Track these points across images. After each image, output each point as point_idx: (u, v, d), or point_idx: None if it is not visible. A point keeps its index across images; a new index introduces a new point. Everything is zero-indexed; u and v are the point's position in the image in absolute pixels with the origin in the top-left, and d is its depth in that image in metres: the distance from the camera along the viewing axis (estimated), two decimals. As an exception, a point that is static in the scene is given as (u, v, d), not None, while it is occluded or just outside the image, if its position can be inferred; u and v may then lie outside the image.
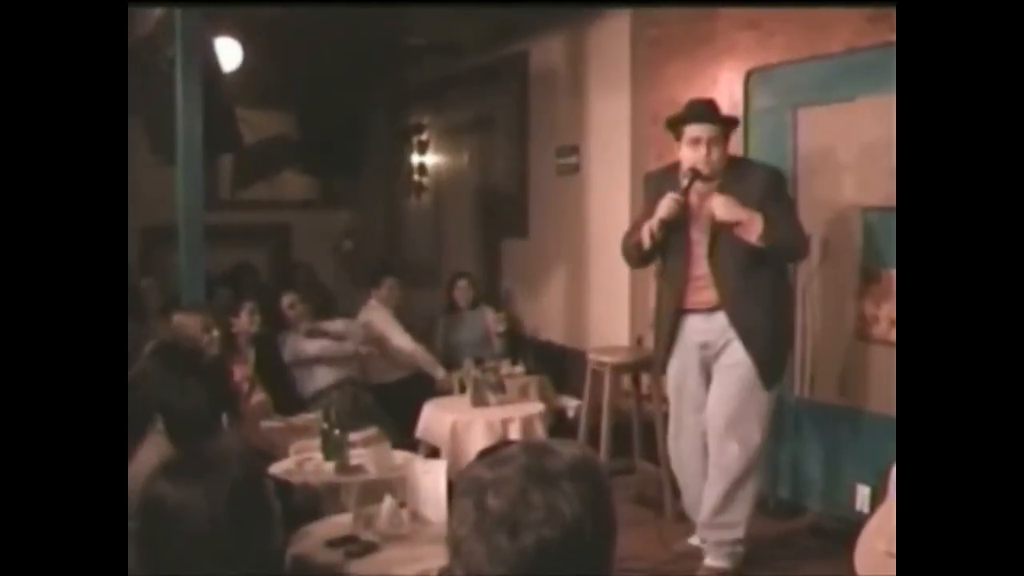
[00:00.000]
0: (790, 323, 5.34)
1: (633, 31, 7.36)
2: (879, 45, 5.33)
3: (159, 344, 4.02)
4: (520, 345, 8.34)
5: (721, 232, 4.95)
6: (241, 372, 6.35)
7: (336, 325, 7.68)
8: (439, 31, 8.80)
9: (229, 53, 7.32)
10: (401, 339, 7.99)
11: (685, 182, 4.94)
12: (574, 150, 8.06)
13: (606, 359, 6.17)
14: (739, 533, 5.12)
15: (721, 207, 4.85)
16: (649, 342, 7.12)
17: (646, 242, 5.00)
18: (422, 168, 10.91)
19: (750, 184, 4.95)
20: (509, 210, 9.12)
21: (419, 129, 10.88)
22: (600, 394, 6.09)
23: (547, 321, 8.59)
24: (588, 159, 7.94)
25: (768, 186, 4.96)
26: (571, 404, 7.35)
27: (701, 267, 5.08)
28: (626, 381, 6.45)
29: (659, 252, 5.20)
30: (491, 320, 8.46)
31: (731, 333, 5.01)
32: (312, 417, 6.25)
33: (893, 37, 5.26)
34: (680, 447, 5.38)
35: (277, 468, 5.12)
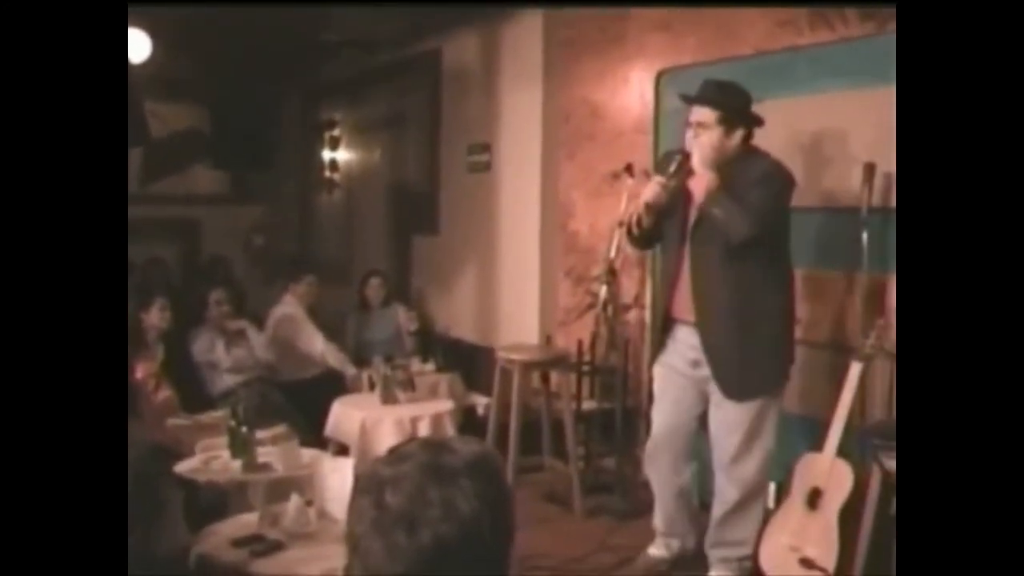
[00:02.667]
0: (775, 336, 4.81)
1: (546, 31, 7.39)
2: (788, 48, 5.41)
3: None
4: (430, 343, 8.34)
5: (701, 229, 4.69)
6: (146, 369, 6.28)
7: (253, 335, 7.61)
8: (353, 27, 8.76)
9: (138, 45, 7.21)
10: (312, 338, 7.93)
11: (672, 166, 4.61)
12: (486, 148, 8.08)
13: (515, 357, 6.18)
14: (747, 550, 4.93)
15: (696, 160, 4.55)
16: (559, 340, 7.17)
17: (633, 228, 4.75)
18: (334, 164, 10.87)
19: (748, 174, 4.59)
20: (420, 207, 9.12)
21: (331, 125, 10.84)
22: (509, 392, 6.10)
23: (457, 318, 8.60)
24: (499, 157, 7.95)
25: (760, 174, 4.59)
26: (481, 402, 7.36)
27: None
28: (535, 379, 6.47)
29: (654, 238, 5.02)
30: (403, 318, 8.44)
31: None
32: (220, 415, 6.19)
33: (801, 40, 5.35)
34: (656, 460, 5.13)
35: (183, 466, 5.07)
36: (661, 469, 5.12)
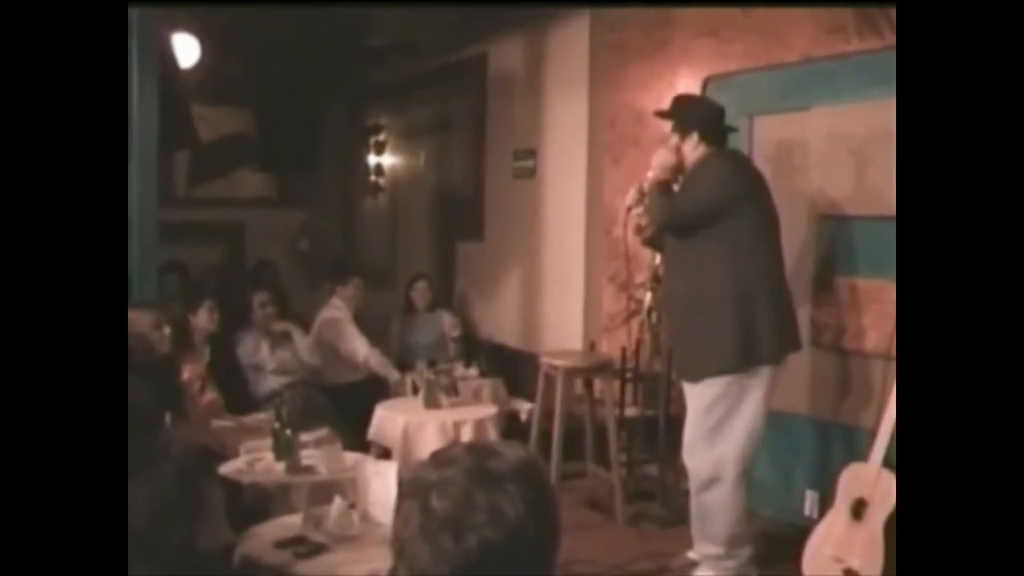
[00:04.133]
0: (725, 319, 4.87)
1: (592, 35, 7.38)
2: (835, 56, 5.38)
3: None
4: (474, 348, 8.34)
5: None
6: (193, 371, 6.30)
7: (298, 338, 7.64)
8: (399, 32, 8.79)
9: (187, 49, 7.27)
10: (356, 342, 7.94)
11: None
12: (531, 153, 8.07)
13: (559, 363, 6.17)
14: (734, 556, 4.99)
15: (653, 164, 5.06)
16: (602, 347, 7.16)
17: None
18: (379, 168, 10.90)
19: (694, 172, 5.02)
20: (465, 212, 9.12)
21: (377, 130, 10.86)
22: (553, 398, 6.09)
23: (501, 324, 8.60)
24: (544, 162, 7.95)
25: (698, 165, 4.99)
26: (524, 407, 7.35)
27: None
28: (579, 385, 6.46)
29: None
30: (447, 323, 8.45)
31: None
32: (263, 417, 6.21)
33: (849, 48, 5.32)
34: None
35: (227, 467, 5.09)
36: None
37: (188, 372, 6.17)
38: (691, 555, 5.28)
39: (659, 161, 5.04)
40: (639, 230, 5.38)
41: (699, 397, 4.92)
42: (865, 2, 5.28)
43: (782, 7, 5.84)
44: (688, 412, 5.02)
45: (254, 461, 5.23)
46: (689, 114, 5.10)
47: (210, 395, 6.39)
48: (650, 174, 5.08)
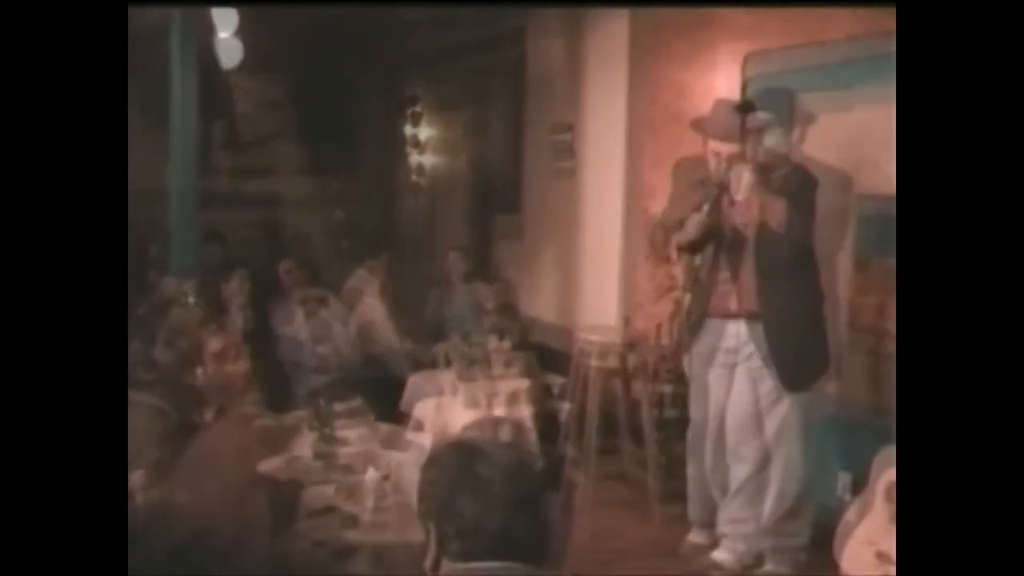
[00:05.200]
0: (817, 328, 5.18)
1: (632, 11, 7.33)
2: (879, 33, 5.32)
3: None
4: (508, 321, 8.32)
5: (746, 235, 5.07)
6: (220, 342, 6.27)
7: (334, 303, 7.66)
8: (435, 8, 8.76)
9: (225, 19, 7.26)
10: (381, 329, 7.97)
11: (708, 204, 5.06)
12: (569, 127, 8.03)
13: (594, 338, 6.16)
14: (804, 540, 5.14)
15: (747, 184, 4.87)
16: (637, 322, 7.13)
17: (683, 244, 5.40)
18: (415, 140, 10.88)
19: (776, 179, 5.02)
20: (502, 186, 9.10)
21: (413, 100, 10.84)
22: (587, 373, 6.08)
23: (536, 298, 8.58)
24: (583, 137, 7.91)
25: (793, 184, 4.99)
26: (557, 381, 7.35)
27: (727, 272, 5.16)
28: (613, 360, 6.45)
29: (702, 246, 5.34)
30: (483, 295, 8.44)
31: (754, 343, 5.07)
32: (303, 415, 6.18)
33: (892, 25, 5.26)
34: (695, 448, 5.44)
35: (267, 465, 5.08)
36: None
37: (220, 341, 6.12)
38: (691, 537, 5.50)
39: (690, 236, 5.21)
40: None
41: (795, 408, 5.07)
42: (865, 2, 5.24)
43: (782, 6, 5.84)
44: (731, 403, 5.13)
45: (293, 459, 5.21)
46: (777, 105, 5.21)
47: (242, 364, 6.32)
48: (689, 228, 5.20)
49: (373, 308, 8.06)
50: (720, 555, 5.30)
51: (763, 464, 5.15)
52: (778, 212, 4.81)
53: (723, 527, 5.32)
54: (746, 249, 5.06)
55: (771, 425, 5.09)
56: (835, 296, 5.57)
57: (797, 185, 4.97)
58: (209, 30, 6.41)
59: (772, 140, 5.06)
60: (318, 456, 4.90)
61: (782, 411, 5.04)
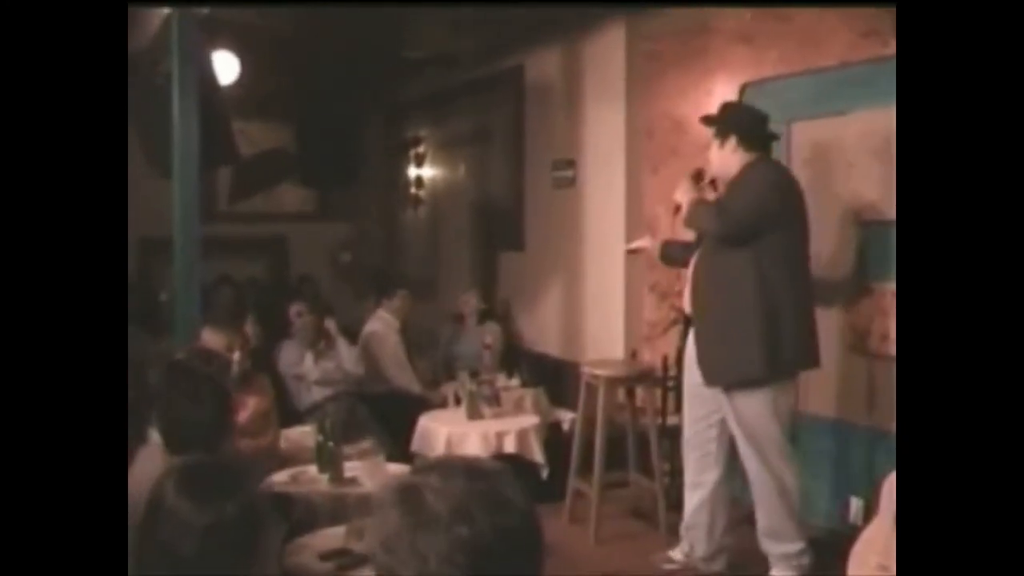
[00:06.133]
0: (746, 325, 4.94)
1: (628, 45, 7.38)
2: (872, 60, 5.36)
3: (178, 359, 3.95)
4: (516, 358, 8.34)
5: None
6: (258, 405, 6.25)
7: (343, 346, 7.67)
8: (436, 44, 8.82)
9: (226, 66, 7.33)
10: (395, 369, 8.01)
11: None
12: (570, 163, 8.08)
13: (601, 372, 6.17)
14: (801, 544, 5.09)
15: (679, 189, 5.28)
16: (644, 356, 7.15)
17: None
18: (419, 181, 10.96)
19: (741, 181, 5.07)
20: (505, 223, 9.14)
21: (416, 142, 10.92)
22: (595, 407, 6.09)
23: (543, 334, 8.60)
24: (584, 172, 7.95)
25: (743, 172, 5.04)
26: (566, 417, 7.35)
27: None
28: (620, 394, 6.46)
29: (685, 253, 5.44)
30: (493, 334, 8.45)
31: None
32: (307, 430, 6.23)
33: (887, 51, 5.29)
34: (687, 457, 5.46)
35: (273, 481, 5.12)
36: None
37: (253, 405, 5.62)
38: (671, 553, 5.52)
39: (680, 192, 5.33)
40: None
41: (745, 407, 5.00)
42: (865, 2, 5.27)
43: (781, 7, 5.89)
44: (731, 424, 5.10)
45: (298, 474, 5.25)
46: (730, 120, 5.17)
47: (272, 435, 5.82)
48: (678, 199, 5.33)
49: (398, 349, 8.10)
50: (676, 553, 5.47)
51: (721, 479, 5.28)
52: (709, 214, 4.99)
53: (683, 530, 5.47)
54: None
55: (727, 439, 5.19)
56: (834, 320, 5.60)
57: (745, 170, 5.04)
58: (211, 77, 6.45)
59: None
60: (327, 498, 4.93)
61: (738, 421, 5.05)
